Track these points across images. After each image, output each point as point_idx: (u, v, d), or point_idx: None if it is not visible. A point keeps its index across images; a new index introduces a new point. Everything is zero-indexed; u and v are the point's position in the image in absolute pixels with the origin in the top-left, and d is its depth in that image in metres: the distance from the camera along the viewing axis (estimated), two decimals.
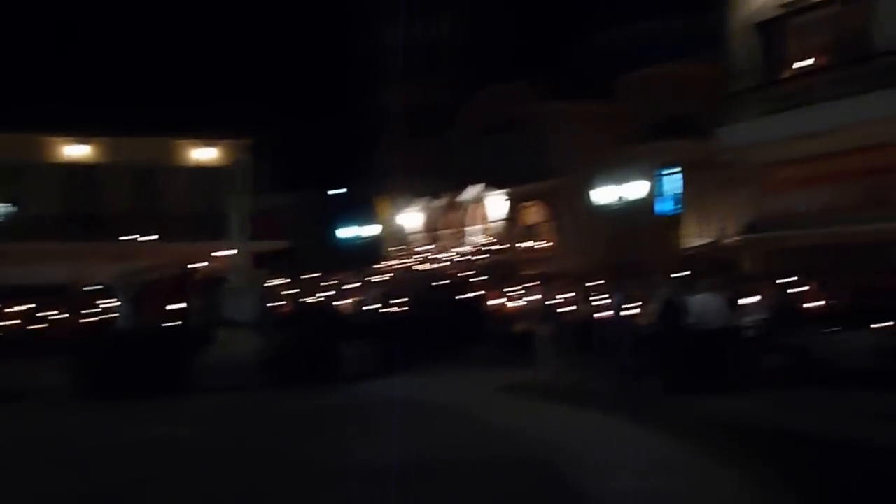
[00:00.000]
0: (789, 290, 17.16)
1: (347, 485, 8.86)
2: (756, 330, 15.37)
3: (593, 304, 19.80)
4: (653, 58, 40.22)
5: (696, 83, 36.10)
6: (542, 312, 20.11)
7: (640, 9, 42.35)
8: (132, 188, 35.27)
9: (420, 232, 47.92)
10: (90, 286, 30.12)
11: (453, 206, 45.37)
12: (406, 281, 33.93)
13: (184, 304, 21.17)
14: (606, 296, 18.70)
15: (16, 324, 23.95)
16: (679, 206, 38.19)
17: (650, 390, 14.64)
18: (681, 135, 36.10)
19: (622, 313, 16.04)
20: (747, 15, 24.27)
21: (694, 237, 37.00)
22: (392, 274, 39.32)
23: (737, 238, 26.48)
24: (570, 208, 37.81)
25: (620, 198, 17.78)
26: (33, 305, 26.44)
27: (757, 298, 16.15)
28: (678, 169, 38.00)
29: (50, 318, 26.70)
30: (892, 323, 13.94)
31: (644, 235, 34.76)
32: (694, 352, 15.09)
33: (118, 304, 21.40)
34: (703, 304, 15.48)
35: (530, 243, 40.61)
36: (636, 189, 17.89)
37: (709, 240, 35.09)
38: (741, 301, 16.26)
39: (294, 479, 9.22)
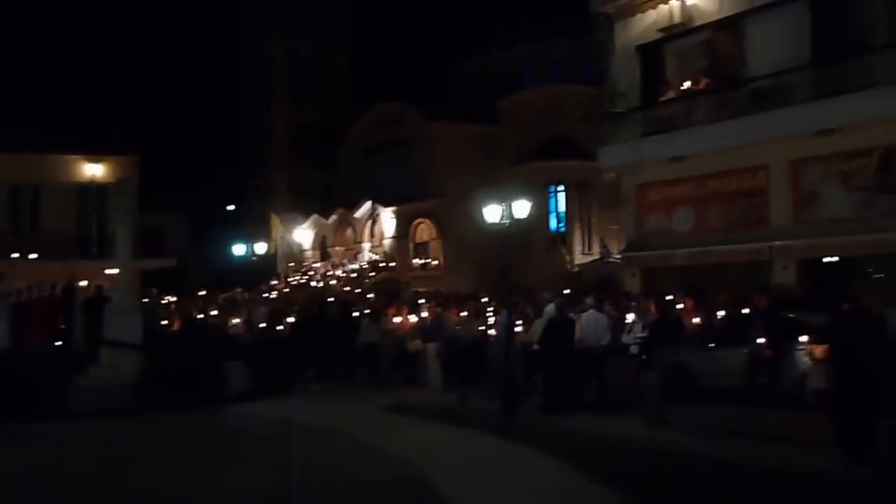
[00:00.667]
0: (666, 308, 17.71)
1: None
2: (637, 347, 15.78)
3: (481, 322, 20.05)
4: (534, 79, 41.16)
5: (577, 104, 37.14)
6: (430, 331, 20.28)
7: (521, 31, 43.23)
8: (12, 205, 34.14)
9: (310, 249, 47.72)
10: None
11: (345, 223, 45.34)
12: (295, 299, 33.71)
13: (64, 324, 20.64)
14: (494, 314, 18.95)
15: None
16: (563, 224, 39.08)
17: (533, 409, 14.94)
18: (563, 155, 37.01)
19: (509, 332, 16.32)
20: (627, 38, 25.06)
21: (578, 255, 37.94)
22: (281, 291, 39.04)
23: (618, 256, 27.19)
24: (456, 227, 38.24)
25: (506, 217, 18.05)
26: None
27: (637, 316, 16.61)
28: (562, 188, 38.94)
29: None
30: (763, 340, 14.47)
31: (530, 254, 35.42)
32: (576, 370, 15.48)
33: None
34: (586, 321, 15.91)
35: (420, 261, 40.89)
36: (521, 208, 18.20)
37: (592, 258, 36.04)
38: (623, 318, 16.71)
39: None
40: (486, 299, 22.53)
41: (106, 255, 31.04)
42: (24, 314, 21.03)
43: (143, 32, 78.08)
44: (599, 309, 16.27)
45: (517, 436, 12.51)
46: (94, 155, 35.11)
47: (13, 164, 33.97)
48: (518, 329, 16.77)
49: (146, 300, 21.87)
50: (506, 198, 18.33)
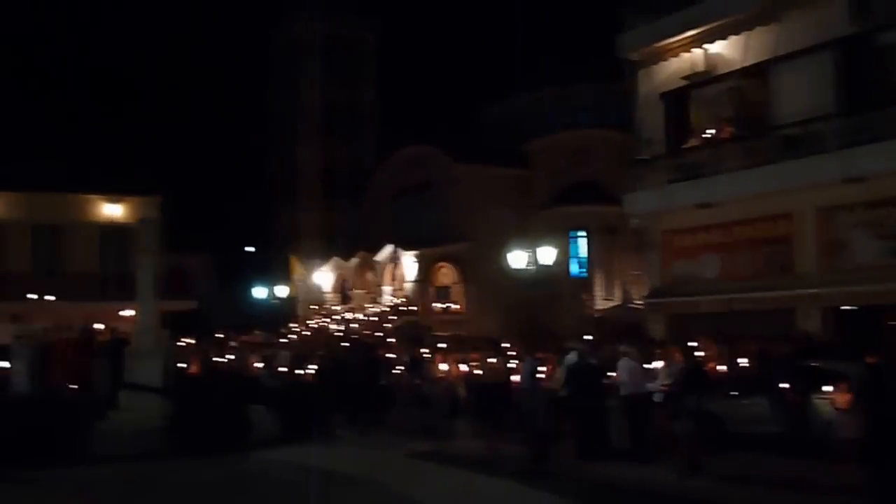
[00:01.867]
0: (694, 355, 17.49)
1: None
2: (663, 394, 15.58)
3: (505, 368, 19.83)
4: (561, 124, 41.18)
5: (603, 149, 37.10)
6: (454, 376, 20.08)
7: (548, 76, 43.33)
8: (34, 245, 34.28)
9: (333, 292, 47.62)
10: None
11: (367, 266, 45.26)
12: (317, 342, 33.56)
13: (85, 367, 20.51)
14: (518, 360, 18.75)
15: None
16: (587, 269, 38.85)
17: (560, 457, 14.68)
18: (589, 200, 36.91)
19: (533, 378, 16.10)
20: (653, 85, 25.06)
21: (602, 300, 37.65)
22: (304, 335, 38.89)
23: (643, 302, 26.97)
24: (479, 271, 38.09)
25: (530, 261, 17.99)
26: None
27: (663, 363, 16.39)
28: (586, 233, 38.76)
29: None
30: (787, 388, 14.31)
31: (554, 299, 35.17)
32: (603, 417, 15.26)
33: (14, 366, 20.57)
34: (622, 368, 15.71)
35: (443, 305, 40.71)
36: (545, 253, 18.16)
37: (617, 303, 35.75)
38: (649, 365, 16.50)
39: None
40: (510, 344, 22.32)
41: (127, 296, 31.03)
42: (43, 357, 20.90)
43: (169, 73, 78.95)
44: (635, 356, 16.07)
45: (547, 484, 12.29)
46: (116, 195, 35.32)
47: (35, 204, 34.24)
48: (542, 375, 16.56)
49: (168, 343, 21.73)
50: (531, 243, 18.26)
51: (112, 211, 35.37)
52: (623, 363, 15.80)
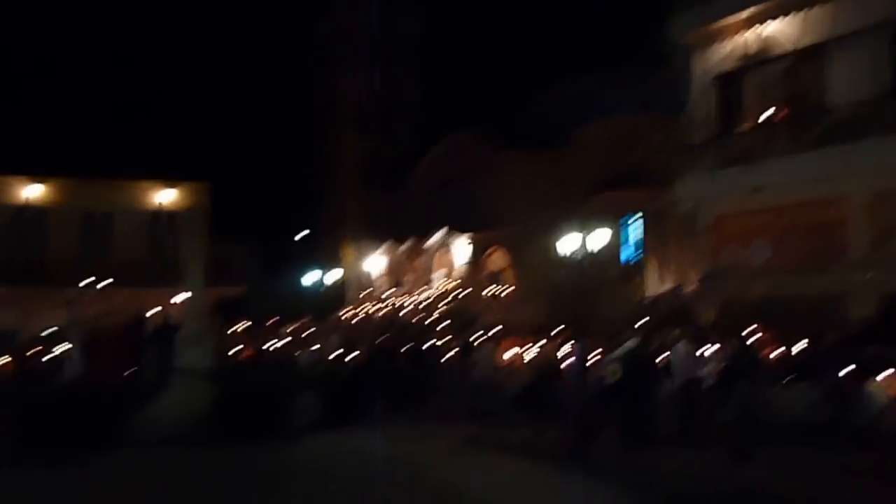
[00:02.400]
0: (746, 341, 17.20)
1: None
2: (715, 381, 15.36)
3: (555, 353, 19.67)
4: (609, 109, 40.73)
5: (652, 135, 36.54)
6: (503, 362, 19.95)
7: (598, 60, 42.85)
8: (84, 231, 34.73)
9: (383, 278, 47.73)
10: (38, 333, 29.49)
11: (416, 252, 45.27)
12: (367, 328, 33.66)
13: (136, 353, 20.76)
14: (568, 345, 18.58)
15: None
16: (639, 254, 38.45)
17: (610, 444, 14.51)
18: (638, 185, 36.46)
19: (583, 363, 15.93)
20: (705, 68, 24.62)
21: (653, 286, 37.22)
22: (353, 321, 39.03)
23: (694, 287, 26.60)
24: (530, 256, 37.87)
25: (581, 247, 17.83)
26: None
27: (715, 349, 16.14)
28: (636, 218, 38.32)
29: None
30: (840, 376, 14.04)
31: (605, 284, 34.84)
32: (653, 404, 15.06)
33: (67, 352, 20.90)
34: (676, 354, 15.50)
35: (493, 290, 40.57)
36: (596, 238, 17.97)
37: (667, 289, 35.30)
38: (701, 352, 16.26)
39: None
40: (561, 330, 22.13)
41: (176, 282, 31.38)
42: (95, 343, 21.20)
43: (215, 61, 79.61)
44: (688, 342, 15.85)
45: (593, 470, 12.13)
46: (166, 182, 35.63)
47: (85, 191, 34.67)
48: (592, 361, 16.39)
49: (217, 329, 21.90)
50: (581, 227, 18.05)
51: (161, 198, 35.70)
52: (676, 349, 15.58)
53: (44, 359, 25.49)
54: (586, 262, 19.14)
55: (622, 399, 15.32)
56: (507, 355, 20.59)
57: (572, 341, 18.16)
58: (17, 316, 31.57)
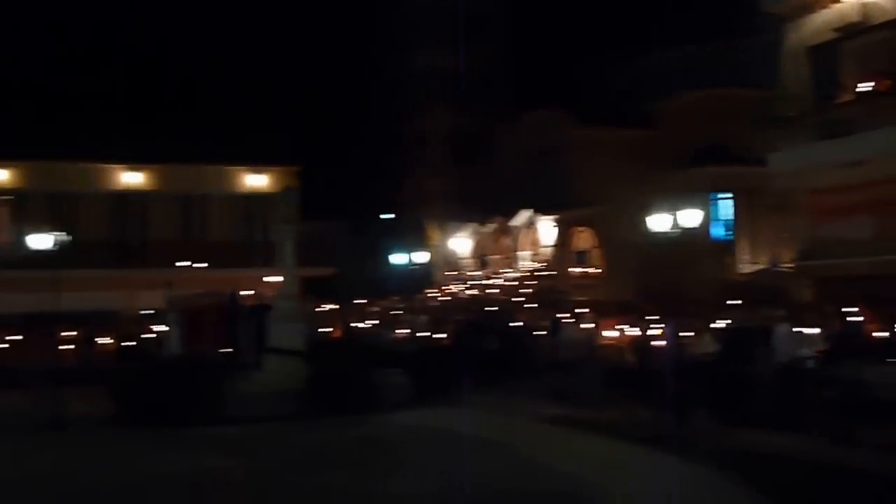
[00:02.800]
0: (845, 320, 16.73)
1: None
2: (814, 361, 14.98)
3: (644, 333, 19.46)
4: (695, 82, 39.84)
5: (740, 108, 35.68)
6: (590, 341, 19.82)
7: (683, 33, 41.97)
8: (181, 215, 35.71)
9: (469, 258, 47.78)
10: (139, 313, 30.43)
11: (502, 232, 45.16)
12: (454, 308, 33.77)
13: (231, 332, 21.21)
14: (658, 324, 18.36)
15: (66, 350, 24.15)
16: (730, 232, 37.67)
17: (701, 423, 14.28)
18: (727, 160, 35.68)
19: (676, 343, 15.69)
20: (799, 39, 23.90)
21: (746, 264, 36.46)
22: (440, 300, 39.20)
23: (790, 265, 25.95)
24: (616, 235, 37.45)
25: (670, 224, 17.55)
26: (83, 332, 26.68)
27: (818, 328, 15.73)
28: (729, 195, 37.52)
29: (99, 344, 26.94)
30: None
31: (695, 263, 34.27)
32: (751, 384, 14.75)
33: (166, 331, 21.49)
34: (778, 334, 15.17)
35: (580, 269, 40.25)
36: (686, 216, 17.65)
37: (761, 267, 34.54)
38: (799, 331, 15.86)
39: None
40: (650, 309, 21.87)
41: (269, 263, 31.99)
42: (192, 322, 21.72)
43: (301, 43, 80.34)
44: (793, 321, 15.47)
45: (685, 450, 11.94)
46: (258, 166, 36.36)
47: (182, 175, 35.67)
48: (684, 339, 16.15)
49: (309, 308, 22.22)
50: (670, 206, 17.73)
51: (254, 181, 36.45)
52: (780, 328, 15.22)
53: (145, 337, 26.37)
54: (675, 241, 18.80)
55: (718, 378, 15.06)
56: (595, 335, 20.45)
57: (663, 320, 17.94)
58: (120, 296, 32.78)
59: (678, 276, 33.06)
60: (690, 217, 21.02)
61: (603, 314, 23.35)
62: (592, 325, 21.17)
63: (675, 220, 19.37)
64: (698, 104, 38.28)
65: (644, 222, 21.72)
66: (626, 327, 20.35)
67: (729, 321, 15.93)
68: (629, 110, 40.78)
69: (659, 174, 35.64)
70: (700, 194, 33.56)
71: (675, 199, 25.64)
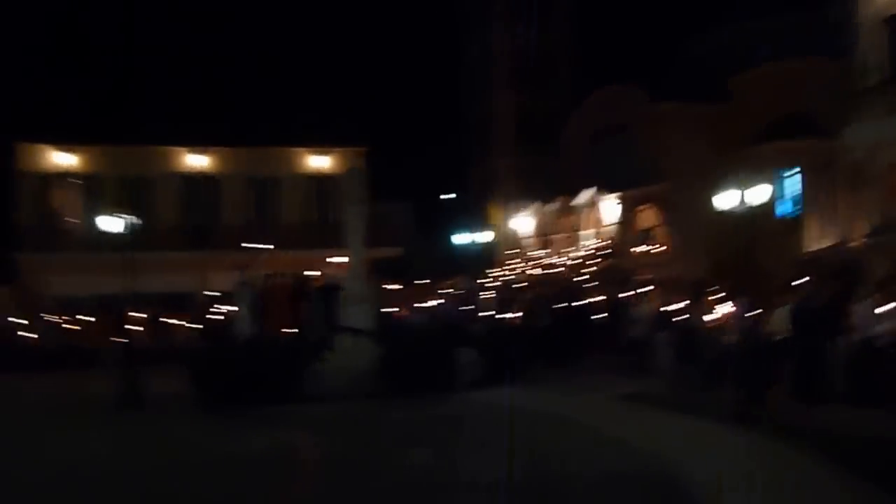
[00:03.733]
0: None
1: (460, 496, 8.79)
2: (888, 338, 14.68)
3: (712, 310, 19.26)
4: (767, 55, 39.00)
5: (813, 81, 34.84)
6: (658, 319, 19.68)
7: (753, 4, 41.11)
8: (250, 197, 36.22)
9: (533, 237, 47.65)
10: (210, 294, 30.99)
11: (566, 211, 44.95)
12: (520, 287, 33.75)
13: (302, 312, 21.49)
14: (726, 302, 18.15)
15: (141, 331, 24.71)
16: (800, 208, 36.95)
17: (780, 401, 14.12)
18: (800, 134, 34.93)
19: (746, 319, 15.51)
20: (876, 9, 23.32)
21: (816, 241, 35.76)
22: (505, 279, 39.20)
23: (863, 241, 25.42)
24: (684, 212, 37.01)
25: (738, 201, 17.31)
26: (157, 313, 27.29)
27: (890, 305, 15.39)
28: (798, 170, 36.76)
29: (173, 326, 27.53)
30: None
31: (764, 239, 33.72)
32: (825, 360, 14.54)
33: (237, 312, 21.83)
34: (860, 310, 14.91)
35: (645, 248, 39.91)
36: (754, 192, 17.38)
37: (832, 243, 33.85)
38: (877, 308, 15.55)
39: (407, 489, 9.20)
40: (717, 287, 21.60)
41: (338, 244, 32.25)
42: (264, 302, 22.04)
43: (365, 25, 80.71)
44: (865, 297, 15.18)
45: (762, 427, 11.86)
46: (324, 147, 36.67)
47: (250, 158, 36.13)
48: (755, 317, 15.94)
49: (377, 288, 22.37)
50: (740, 182, 17.48)
51: (320, 163, 36.78)
52: (856, 305, 14.95)
53: (217, 318, 26.86)
54: (743, 218, 18.52)
55: (792, 356, 14.86)
56: (662, 311, 20.27)
57: (734, 298, 17.73)
58: (193, 278, 33.46)
59: (746, 253, 32.59)
60: (759, 193, 20.73)
61: (669, 292, 23.14)
62: (659, 303, 21.01)
63: (742, 196, 19.12)
64: (772, 76, 37.42)
65: (711, 199, 21.48)
66: (693, 304, 20.12)
67: (800, 298, 15.61)
68: (701, 84, 40.12)
69: (728, 150, 35.10)
70: (770, 170, 33.01)
71: (744, 175, 25.31)
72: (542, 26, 55.27)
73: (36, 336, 26.90)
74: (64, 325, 27.25)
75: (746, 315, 15.68)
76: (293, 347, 18.04)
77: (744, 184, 22.21)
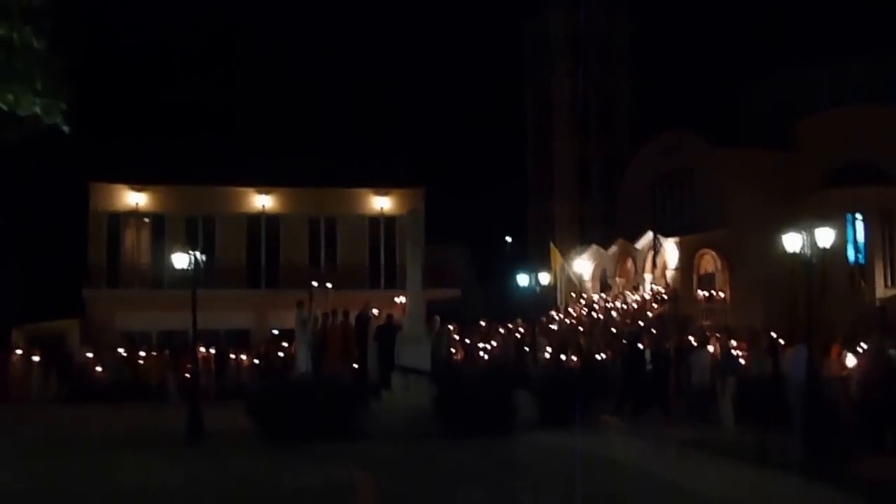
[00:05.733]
0: None
1: None
2: None
3: (775, 358, 19.00)
4: (829, 101, 38.64)
5: (879, 127, 34.42)
6: (717, 365, 19.46)
7: (815, 51, 40.85)
8: (310, 237, 36.67)
9: (591, 281, 47.44)
10: (271, 332, 31.40)
11: (625, 255, 44.73)
12: (578, 331, 33.61)
13: (360, 350, 21.65)
14: (789, 350, 17.89)
15: (203, 367, 25.10)
16: (864, 255, 36.31)
17: (843, 452, 13.84)
18: (865, 181, 34.45)
19: (807, 366, 15.27)
20: None
21: (883, 288, 35.10)
22: (563, 323, 39.01)
23: None
24: (745, 258, 36.66)
25: (802, 247, 17.09)
26: (218, 350, 27.72)
27: None
28: (863, 217, 36.19)
29: (234, 362, 27.91)
30: None
31: (829, 286, 33.18)
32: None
33: (297, 350, 22.06)
34: None
35: (705, 293, 39.50)
36: (824, 237, 17.14)
37: None
38: None
39: None
40: (780, 334, 21.36)
41: (395, 284, 32.52)
42: (322, 341, 22.25)
43: (428, 68, 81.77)
44: None
45: (825, 478, 11.61)
46: (384, 189, 37.06)
47: (311, 198, 36.70)
48: (820, 364, 15.71)
49: (439, 328, 22.46)
50: (803, 228, 17.26)
51: (380, 203, 37.16)
52: None
53: (277, 355, 27.19)
54: (808, 264, 18.28)
55: (862, 406, 14.60)
56: (722, 358, 20.04)
57: (796, 345, 17.46)
58: (254, 315, 34.03)
59: (810, 300, 32.09)
60: (823, 239, 20.49)
61: (731, 337, 22.88)
62: (721, 349, 20.79)
63: (807, 242, 18.89)
64: (835, 122, 37.08)
65: (773, 246, 21.23)
66: (753, 350, 19.88)
67: (869, 347, 15.35)
68: (762, 130, 39.89)
69: (791, 196, 34.77)
70: (834, 216, 32.58)
71: (807, 221, 24.99)
72: (603, 71, 55.45)
73: (103, 369, 27.50)
74: (129, 360, 27.82)
75: (809, 362, 15.43)
76: (351, 386, 18.17)
77: (806, 229, 21.95)
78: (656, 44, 67.05)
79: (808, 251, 17.02)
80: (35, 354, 28.11)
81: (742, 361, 19.51)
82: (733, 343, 20.95)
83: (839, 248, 33.72)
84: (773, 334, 22.30)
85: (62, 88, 9.83)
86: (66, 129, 9.98)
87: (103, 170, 34.60)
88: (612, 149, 54.34)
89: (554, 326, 36.86)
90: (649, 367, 21.31)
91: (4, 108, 9.55)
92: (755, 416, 16.95)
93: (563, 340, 26.91)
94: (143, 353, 28.29)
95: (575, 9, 54.78)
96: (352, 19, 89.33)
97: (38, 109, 9.64)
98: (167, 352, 27.37)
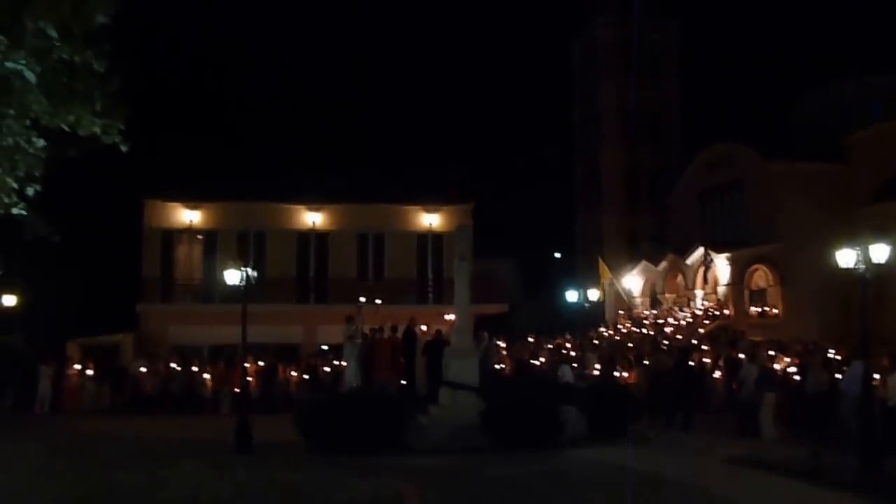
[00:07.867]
0: None
1: None
2: None
3: (827, 373, 18.75)
4: (881, 113, 38.06)
5: None
6: (769, 380, 19.24)
7: (869, 62, 40.32)
8: (359, 252, 36.98)
9: (642, 296, 47.13)
10: (320, 346, 31.65)
11: (676, 270, 44.38)
12: (627, 346, 33.39)
13: (407, 365, 21.76)
14: (843, 365, 17.65)
15: (253, 380, 25.40)
16: None
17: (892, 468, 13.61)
18: None
19: (863, 383, 15.03)
20: None
21: None
22: (611, 338, 38.81)
23: None
24: (798, 272, 36.19)
25: (857, 261, 16.86)
26: (268, 363, 27.99)
27: None
28: None
29: (283, 375, 28.16)
30: None
31: (881, 301, 32.61)
32: None
33: (345, 363, 22.24)
34: None
35: (757, 308, 39.06)
36: (880, 252, 16.90)
37: None
38: None
39: None
40: (833, 349, 21.06)
41: (443, 299, 32.63)
42: (370, 355, 22.42)
43: (476, 82, 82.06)
44: None
45: (880, 496, 11.40)
46: (433, 205, 37.24)
47: (360, 214, 37.03)
48: (876, 382, 15.47)
49: (488, 343, 22.50)
50: (859, 241, 17.01)
51: (429, 220, 37.32)
52: None
53: (326, 369, 27.40)
54: (862, 280, 18.01)
55: None
56: (774, 373, 19.84)
57: (852, 360, 17.23)
58: (303, 330, 34.40)
59: (863, 314, 31.57)
60: (878, 255, 20.18)
61: (784, 352, 22.63)
62: (774, 364, 20.58)
63: (860, 257, 18.65)
64: (890, 134, 36.54)
65: (826, 260, 20.98)
66: (809, 366, 19.63)
67: None
68: (813, 142, 39.41)
69: (843, 209, 34.28)
70: (888, 230, 32.01)
71: (862, 234, 24.61)
72: (652, 82, 55.19)
73: (155, 382, 27.95)
74: (183, 372, 28.24)
75: (865, 377, 15.20)
76: (398, 400, 18.25)
77: (862, 244, 21.63)
78: (707, 54, 66.59)
79: (862, 266, 16.74)
80: (89, 367, 28.66)
81: (796, 377, 19.27)
82: (769, 354, 20.70)
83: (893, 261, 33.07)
84: (832, 350, 22.01)
85: (120, 108, 10.04)
86: (123, 148, 10.19)
87: (157, 188, 35.28)
88: (661, 160, 53.99)
89: (602, 341, 36.67)
90: (699, 380, 21.17)
91: (65, 128, 9.78)
92: (808, 432, 16.72)
93: (612, 355, 26.74)
94: (195, 368, 28.67)
95: (625, 18, 54.71)
96: (401, 36, 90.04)
97: (97, 129, 9.85)
98: (222, 364, 27.76)
